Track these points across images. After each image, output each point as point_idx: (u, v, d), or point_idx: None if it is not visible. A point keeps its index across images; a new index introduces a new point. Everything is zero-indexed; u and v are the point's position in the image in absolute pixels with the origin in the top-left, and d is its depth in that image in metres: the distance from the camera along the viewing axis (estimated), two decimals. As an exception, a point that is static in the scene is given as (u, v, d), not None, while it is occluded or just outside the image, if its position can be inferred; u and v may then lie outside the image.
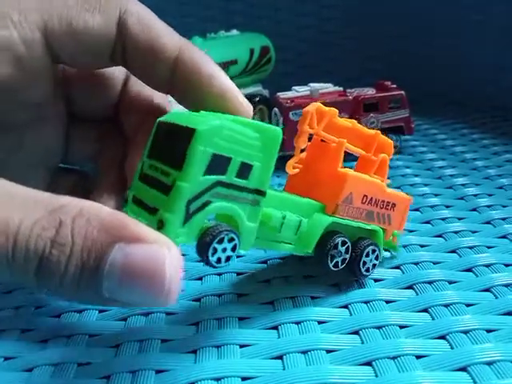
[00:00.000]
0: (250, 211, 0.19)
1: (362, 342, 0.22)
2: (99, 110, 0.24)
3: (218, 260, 0.18)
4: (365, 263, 0.25)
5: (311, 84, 0.44)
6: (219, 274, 0.27)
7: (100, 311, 0.25)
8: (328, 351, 0.21)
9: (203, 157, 0.17)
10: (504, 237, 0.30)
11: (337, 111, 0.24)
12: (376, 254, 0.25)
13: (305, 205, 0.23)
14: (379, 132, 0.26)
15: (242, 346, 0.22)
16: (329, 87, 0.44)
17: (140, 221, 0.16)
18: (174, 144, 0.18)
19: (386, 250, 0.28)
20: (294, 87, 0.44)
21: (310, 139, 0.25)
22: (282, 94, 0.43)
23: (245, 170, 0.19)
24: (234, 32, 0.53)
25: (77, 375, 0.21)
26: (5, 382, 0.20)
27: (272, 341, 0.22)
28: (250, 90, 0.52)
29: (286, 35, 0.65)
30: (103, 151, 0.24)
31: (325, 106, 0.27)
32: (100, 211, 0.15)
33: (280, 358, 0.21)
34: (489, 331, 0.22)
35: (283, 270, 0.27)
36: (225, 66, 0.48)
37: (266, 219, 0.20)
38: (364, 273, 0.25)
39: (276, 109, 0.43)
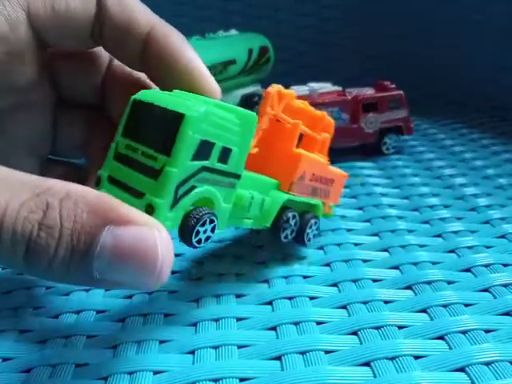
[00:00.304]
0: (226, 193, 0.20)
1: (361, 343, 0.22)
2: (86, 93, 0.23)
3: (199, 241, 0.19)
4: (308, 234, 0.27)
5: (310, 84, 0.44)
6: (218, 275, 0.27)
7: (98, 312, 0.25)
8: (326, 352, 0.21)
9: (192, 142, 0.18)
10: (503, 237, 0.30)
11: (295, 94, 0.26)
12: (317, 225, 0.28)
13: (263, 183, 0.24)
14: (325, 114, 0.28)
15: (240, 347, 0.22)
16: (328, 87, 0.44)
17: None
18: (159, 127, 0.18)
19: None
20: (292, 87, 0.44)
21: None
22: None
23: (225, 154, 0.19)
24: (233, 32, 0.53)
25: (74, 376, 0.21)
26: (2, 383, 0.20)
27: (270, 341, 0.22)
28: (249, 89, 0.52)
29: (285, 35, 0.65)
30: (92, 140, 0.24)
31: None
32: (87, 193, 0.15)
33: (278, 358, 0.21)
34: (487, 331, 0.22)
35: (282, 271, 0.27)
36: (223, 65, 0.48)
37: (237, 200, 0.21)
38: (306, 241, 0.28)
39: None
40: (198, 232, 0.19)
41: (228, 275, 0.27)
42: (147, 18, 0.20)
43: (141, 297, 0.26)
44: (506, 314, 0.23)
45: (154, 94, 0.19)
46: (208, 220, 0.19)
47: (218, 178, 0.19)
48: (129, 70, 0.23)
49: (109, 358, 0.21)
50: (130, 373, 0.20)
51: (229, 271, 0.27)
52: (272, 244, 0.30)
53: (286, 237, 0.26)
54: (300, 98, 0.42)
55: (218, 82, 0.47)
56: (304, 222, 0.27)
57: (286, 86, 0.44)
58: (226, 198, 0.20)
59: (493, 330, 0.22)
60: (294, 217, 0.26)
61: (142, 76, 0.23)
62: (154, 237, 0.15)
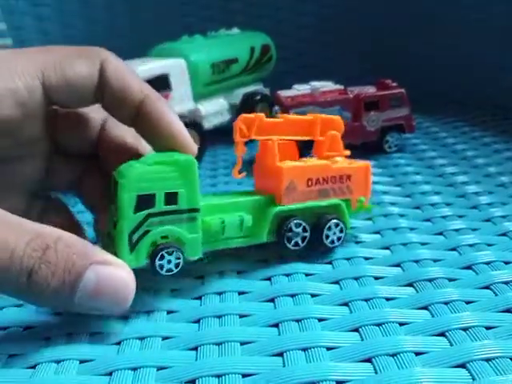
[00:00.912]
0: (188, 226, 0.24)
1: (362, 339, 0.22)
2: (80, 146, 0.27)
3: (168, 270, 0.24)
4: (328, 236, 0.28)
5: (312, 82, 0.44)
6: (220, 272, 0.27)
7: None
8: (328, 348, 0.21)
9: (129, 200, 0.23)
10: (504, 235, 0.30)
11: (263, 115, 0.28)
12: (340, 227, 0.28)
13: (250, 202, 0.27)
14: (319, 115, 0.29)
15: (242, 343, 0.22)
16: (330, 85, 0.44)
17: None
18: (115, 192, 0.23)
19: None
20: (295, 85, 0.44)
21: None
22: (283, 92, 0.43)
23: (171, 197, 0.23)
24: (235, 30, 0.53)
25: (79, 372, 0.21)
26: (8, 379, 0.21)
27: (272, 338, 0.22)
28: (251, 88, 0.52)
29: (287, 34, 0.65)
30: (84, 180, 0.27)
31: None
32: (75, 239, 0.21)
33: (280, 355, 0.21)
34: (488, 328, 0.22)
35: (284, 268, 0.27)
36: (225, 64, 0.48)
37: (207, 227, 0.25)
38: (329, 245, 0.28)
39: (277, 107, 0.43)
40: (161, 265, 0.24)
41: (230, 273, 0.27)
42: (140, 87, 0.24)
43: (144, 294, 0.26)
44: (507, 311, 0.23)
45: (126, 166, 0.24)
46: (165, 253, 0.23)
47: (170, 217, 0.24)
48: (120, 132, 0.26)
49: (113, 355, 0.22)
50: (134, 369, 0.21)
51: (230, 269, 0.28)
52: (273, 243, 0.30)
53: (296, 245, 0.27)
54: (302, 96, 0.43)
55: (220, 80, 0.48)
56: (319, 226, 0.28)
57: (288, 85, 0.45)
58: (190, 229, 0.24)
59: (494, 327, 0.22)
60: (298, 225, 0.27)
61: (131, 138, 0.26)
62: (125, 271, 0.22)
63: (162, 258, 0.24)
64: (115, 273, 0.21)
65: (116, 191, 0.23)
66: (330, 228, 0.28)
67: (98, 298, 0.21)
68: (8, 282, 0.20)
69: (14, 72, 0.22)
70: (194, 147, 0.25)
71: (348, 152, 0.30)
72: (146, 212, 0.23)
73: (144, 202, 0.23)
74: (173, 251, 0.24)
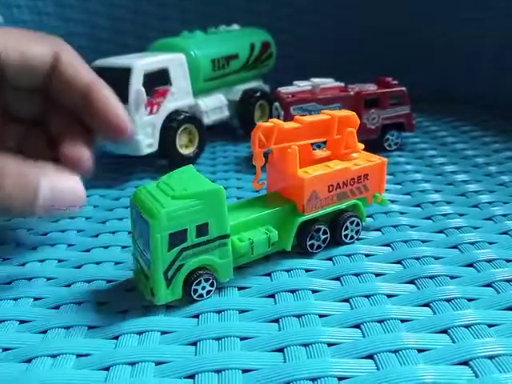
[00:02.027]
0: (219, 252, 0.24)
1: (364, 336, 0.21)
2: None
3: (200, 295, 0.24)
4: (346, 235, 0.28)
5: (313, 79, 0.43)
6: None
7: (99, 303, 0.24)
8: (329, 344, 0.21)
9: (162, 240, 0.22)
10: (505, 233, 0.30)
11: (281, 123, 0.27)
12: (355, 222, 0.28)
13: (274, 214, 0.27)
14: (336, 114, 0.28)
15: (242, 339, 0.22)
16: (330, 82, 0.44)
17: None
18: (143, 229, 0.23)
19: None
20: (295, 82, 0.44)
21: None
22: (284, 89, 0.43)
23: (202, 228, 0.23)
24: (235, 27, 0.53)
25: (76, 366, 0.20)
26: (3, 374, 0.20)
27: (273, 333, 0.22)
28: (251, 84, 0.52)
29: (287, 31, 0.64)
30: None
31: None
32: (18, 161, 0.23)
33: (281, 350, 0.21)
34: (490, 326, 0.22)
35: (284, 264, 0.27)
36: (225, 60, 0.47)
37: (237, 249, 0.25)
38: (348, 241, 0.28)
39: (277, 103, 0.43)
40: (196, 290, 0.24)
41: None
42: (88, 75, 0.26)
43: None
44: (509, 308, 0.23)
45: (146, 192, 0.24)
46: (202, 279, 0.24)
47: (203, 247, 0.24)
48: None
49: (110, 349, 0.21)
50: (132, 363, 0.20)
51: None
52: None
53: (318, 248, 0.28)
54: (302, 93, 0.43)
55: (220, 76, 0.48)
56: (337, 226, 0.28)
57: (288, 82, 0.44)
58: (221, 255, 0.24)
59: (496, 325, 0.22)
60: (318, 230, 0.27)
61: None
62: (73, 179, 0.24)
63: (199, 283, 0.24)
64: (64, 178, 0.24)
65: (139, 220, 0.23)
66: (347, 227, 0.28)
67: (56, 199, 0.23)
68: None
69: None
70: (128, 128, 0.26)
71: (362, 146, 0.30)
72: (179, 248, 0.23)
73: (177, 238, 0.23)
74: (208, 278, 0.24)
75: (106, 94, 0.26)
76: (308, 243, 0.27)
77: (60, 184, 0.23)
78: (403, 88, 0.44)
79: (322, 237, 0.28)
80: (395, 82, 0.44)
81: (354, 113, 0.29)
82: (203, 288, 0.24)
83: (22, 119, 0.28)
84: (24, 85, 0.26)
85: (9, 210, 0.23)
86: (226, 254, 0.24)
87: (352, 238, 0.29)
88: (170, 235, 0.22)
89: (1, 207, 0.22)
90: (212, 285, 0.24)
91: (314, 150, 0.29)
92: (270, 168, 0.29)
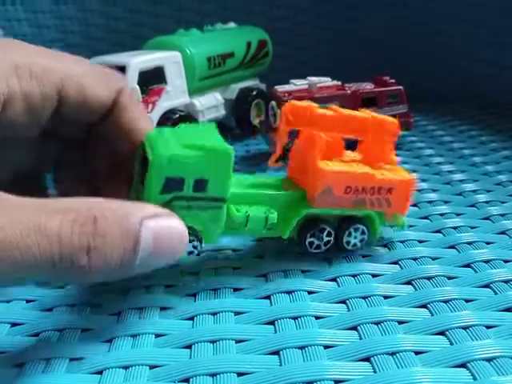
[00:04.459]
0: (212, 214, 0.23)
1: (360, 338, 0.21)
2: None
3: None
4: (349, 242, 0.27)
5: (309, 78, 0.43)
6: (215, 268, 0.27)
7: (93, 305, 0.24)
8: (325, 347, 0.21)
9: (157, 181, 0.22)
10: (503, 233, 0.29)
11: (314, 105, 0.26)
12: (361, 230, 0.27)
13: (280, 197, 0.26)
14: (374, 114, 0.27)
15: (237, 341, 0.21)
16: (327, 81, 0.43)
17: None
18: (144, 166, 0.22)
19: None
20: (291, 80, 0.44)
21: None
22: (280, 88, 0.43)
23: (200, 184, 0.22)
24: (232, 25, 0.52)
25: (69, 370, 0.20)
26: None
27: (268, 336, 0.22)
28: (247, 83, 0.51)
29: (283, 30, 0.64)
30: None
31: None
32: (117, 203, 0.19)
33: (277, 353, 0.21)
34: (488, 327, 0.21)
35: (280, 265, 0.27)
36: (221, 58, 0.47)
37: (232, 217, 0.24)
38: (350, 248, 0.27)
39: (273, 102, 0.42)
40: None
41: (225, 269, 0.27)
42: (146, 127, 0.24)
43: (137, 290, 0.25)
44: (507, 309, 0.23)
45: (156, 135, 0.23)
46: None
47: (199, 202, 0.23)
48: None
49: (104, 352, 0.21)
50: (126, 367, 0.20)
51: (226, 265, 0.27)
52: (270, 240, 0.29)
53: (317, 247, 0.27)
54: (299, 91, 0.42)
55: (216, 75, 0.48)
56: (341, 231, 0.27)
57: (285, 81, 0.44)
58: (213, 217, 0.23)
59: (494, 326, 0.21)
60: (323, 230, 0.26)
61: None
62: (172, 221, 0.20)
63: None
64: (168, 224, 0.20)
65: (143, 163, 0.22)
66: (350, 233, 0.27)
67: (158, 254, 0.19)
68: (68, 270, 0.17)
69: (32, 73, 0.21)
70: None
71: (396, 159, 0.28)
72: (171, 195, 0.22)
73: (172, 184, 0.22)
74: (192, 240, 0.23)
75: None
76: (308, 240, 0.26)
77: (163, 226, 0.20)
78: (400, 87, 0.43)
79: (325, 238, 0.26)
80: (392, 81, 0.44)
81: (396, 121, 0.27)
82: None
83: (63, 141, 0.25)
84: (78, 121, 0.24)
85: (105, 272, 0.18)
86: (217, 217, 0.23)
87: (355, 245, 0.27)
88: (167, 179, 0.22)
89: (98, 268, 0.18)
90: (195, 246, 0.23)
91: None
92: (294, 152, 0.27)
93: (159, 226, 0.19)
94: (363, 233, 0.27)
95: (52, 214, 0.17)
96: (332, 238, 0.27)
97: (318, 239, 0.26)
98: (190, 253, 0.24)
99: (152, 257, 0.19)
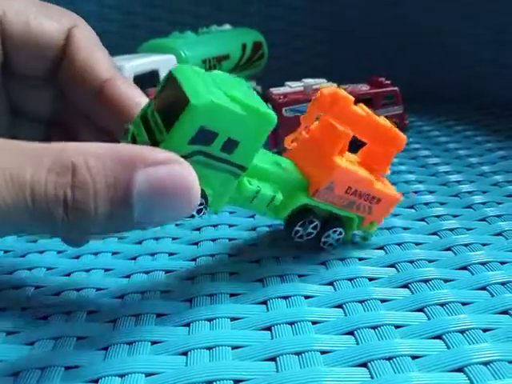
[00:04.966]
0: (224, 180, 0.21)
1: (357, 343, 0.21)
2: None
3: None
4: (325, 242, 0.28)
5: (305, 80, 0.43)
6: (212, 274, 0.27)
7: (88, 312, 0.24)
8: (322, 352, 0.21)
9: (190, 128, 0.18)
10: (499, 234, 0.29)
11: (353, 99, 0.25)
12: (337, 234, 0.28)
13: (288, 181, 0.25)
14: (393, 126, 0.27)
15: (234, 348, 0.21)
16: (322, 83, 0.43)
17: None
18: (173, 105, 0.19)
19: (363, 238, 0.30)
20: (287, 83, 0.44)
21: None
22: (275, 90, 0.43)
23: (230, 145, 0.20)
24: (227, 27, 0.52)
25: (64, 379, 0.20)
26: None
27: (265, 342, 0.21)
28: (243, 85, 0.51)
29: (279, 31, 0.64)
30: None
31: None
32: (106, 147, 0.16)
33: (273, 359, 0.20)
34: (485, 330, 0.21)
35: (277, 270, 0.27)
36: (217, 61, 0.47)
37: (241, 189, 0.22)
38: (325, 247, 0.28)
39: (269, 104, 0.42)
40: None
41: (221, 274, 0.27)
42: (108, 65, 0.21)
43: (132, 297, 0.25)
44: (504, 312, 0.23)
45: (188, 72, 0.20)
46: None
47: (216, 163, 0.20)
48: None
49: (99, 360, 0.21)
50: (122, 375, 0.20)
51: (222, 270, 0.27)
52: (266, 243, 0.29)
53: (300, 237, 0.27)
54: (294, 93, 0.42)
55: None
56: (325, 227, 0.27)
57: (280, 83, 0.44)
58: (223, 183, 0.21)
59: (491, 329, 0.21)
60: (311, 222, 0.26)
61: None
62: (181, 170, 0.17)
63: None
64: (170, 171, 0.17)
65: (172, 104, 0.19)
66: (328, 235, 0.27)
67: (159, 206, 0.16)
68: (38, 223, 0.15)
69: None
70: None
71: (389, 172, 0.28)
72: (198, 147, 0.19)
73: (203, 136, 0.19)
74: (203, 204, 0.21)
75: (122, 83, 0.21)
76: (296, 228, 0.26)
77: (163, 175, 0.16)
78: (396, 88, 0.43)
79: (310, 230, 0.27)
80: (388, 82, 0.44)
81: (405, 137, 0.28)
82: None
83: (38, 119, 0.23)
84: (29, 71, 0.21)
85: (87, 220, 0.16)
86: (230, 185, 0.21)
87: (331, 244, 0.28)
88: (201, 128, 0.19)
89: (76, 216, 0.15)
90: (202, 204, 0.21)
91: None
92: (306, 138, 0.26)
93: (160, 175, 0.16)
94: (340, 234, 0.28)
95: (27, 160, 0.15)
96: (315, 232, 0.27)
97: (304, 230, 0.27)
98: (199, 211, 0.21)
99: (153, 211, 0.16)
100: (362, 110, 0.26)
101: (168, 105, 0.19)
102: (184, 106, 0.18)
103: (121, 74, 0.22)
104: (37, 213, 0.15)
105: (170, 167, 0.17)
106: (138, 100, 0.21)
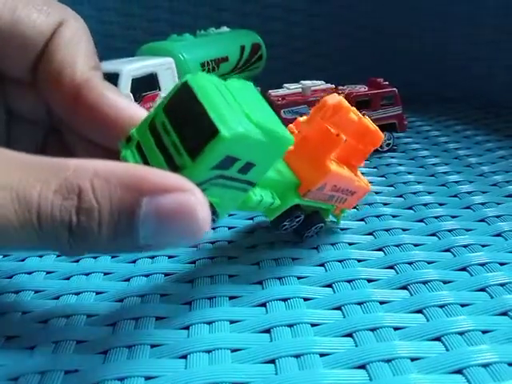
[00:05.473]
0: (234, 195, 0.21)
1: (356, 345, 0.21)
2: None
3: None
4: (307, 236, 0.29)
5: (303, 81, 0.43)
6: (211, 276, 0.27)
7: (88, 316, 0.24)
8: (321, 355, 0.21)
9: (218, 157, 0.18)
10: (498, 235, 0.29)
11: (350, 109, 0.26)
12: (320, 226, 0.29)
13: (283, 185, 0.25)
14: (377, 129, 0.29)
15: (233, 351, 0.21)
16: (320, 84, 0.43)
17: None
18: (195, 125, 0.18)
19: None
20: (285, 84, 0.44)
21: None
22: (274, 92, 0.43)
23: (247, 168, 0.20)
24: (225, 29, 0.52)
25: (64, 383, 0.20)
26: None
27: (264, 344, 0.21)
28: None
29: (277, 32, 0.64)
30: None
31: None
32: (115, 168, 0.15)
33: (272, 362, 0.20)
34: (484, 332, 0.21)
35: (276, 272, 0.27)
36: (215, 63, 0.47)
37: (247, 200, 0.22)
38: (305, 239, 0.29)
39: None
40: None
41: (221, 276, 0.27)
42: (87, 66, 0.19)
43: (132, 300, 0.25)
44: (503, 314, 0.23)
45: (206, 84, 0.18)
46: None
47: (233, 183, 0.20)
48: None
49: (99, 364, 0.21)
50: (121, 379, 0.20)
51: (222, 272, 0.27)
52: (265, 245, 0.29)
53: (285, 230, 0.28)
54: (292, 95, 0.42)
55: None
56: (309, 223, 0.28)
57: (279, 84, 0.44)
58: (235, 197, 0.21)
59: (490, 331, 0.21)
60: (297, 217, 0.27)
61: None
62: (193, 201, 0.16)
63: None
64: (179, 199, 0.16)
65: (194, 122, 0.18)
66: (310, 230, 0.29)
67: (165, 233, 0.16)
68: (44, 244, 0.15)
69: None
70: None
71: (363, 164, 0.30)
72: (219, 172, 0.19)
73: (226, 163, 0.18)
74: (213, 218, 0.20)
75: (98, 86, 0.19)
76: (283, 223, 0.27)
77: (169, 203, 0.16)
78: (394, 89, 0.43)
79: (295, 223, 0.28)
80: (386, 83, 0.44)
81: (383, 136, 0.29)
82: None
83: (33, 123, 0.22)
84: (15, 71, 0.19)
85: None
86: (238, 198, 0.21)
87: (312, 236, 0.29)
88: (226, 157, 0.18)
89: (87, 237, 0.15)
90: (213, 219, 0.20)
91: None
92: (301, 139, 0.27)
93: (169, 205, 0.16)
94: (321, 228, 0.29)
95: (34, 178, 0.15)
96: (297, 224, 0.28)
97: (291, 223, 0.27)
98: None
99: (159, 238, 0.16)
100: (354, 114, 0.27)
101: (187, 123, 0.18)
102: (212, 135, 0.17)
103: (101, 75, 0.20)
104: (43, 234, 0.15)
105: (181, 197, 0.16)
106: (121, 107, 0.20)
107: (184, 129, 0.18)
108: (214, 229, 0.32)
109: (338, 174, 0.26)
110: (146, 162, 0.18)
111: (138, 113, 0.20)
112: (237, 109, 0.18)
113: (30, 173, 0.15)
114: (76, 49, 0.19)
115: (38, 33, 0.18)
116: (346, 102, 0.27)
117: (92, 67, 0.20)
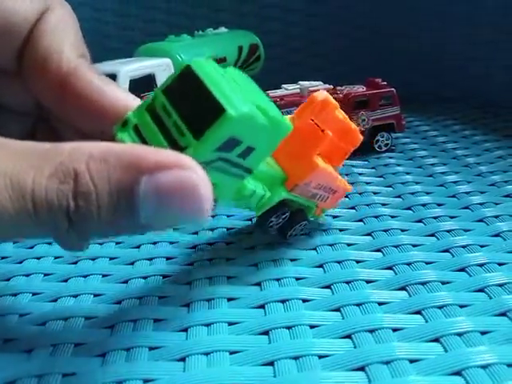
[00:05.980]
0: (232, 182, 0.21)
1: (355, 347, 0.21)
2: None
3: None
4: (291, 234, 0.29)
5: (301, 82, 0.43)
6: (209, 278, 0.27)
7: (86, 318, 0.24)
8: (320, 356, 0.21)
9: (222, 137, 0.18)
10: (497, 235, 0.29)
11: (337, 105, 0.27)
12: (304, 227, 0.30)
13: (272, 178, 0.26)
14: (357, 129, 0.29)
15: (231, 353, 0.21)
16: (319, 85, 0.43)
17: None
18: (199, 106, 0.18)
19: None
20: (283, 85, 0.44)
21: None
22: (272, 92, 0.43)
23: (247, 152, 0.20)
24: (223, 29, 0.52)
25: (61, 386, 0.20)
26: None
27: (263, 347, 0.21)
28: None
29: (274, 32, 0.64)
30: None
31: None
32: (112, 148, 0.15)
33: (271, 364, 0.20)
34: (483, 333, 0.21)
35: (274, 273, 0.27)
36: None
37: (241, 189, 0.23)
38: (289, 237, 0.29)
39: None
40: None
41: (219, 278, 0.26)
42: (74, 54, 0.19)
43: (130, 302, 0.25)
44: (502, 314, 0.22)
45: (208, 69, 0.19)
46: None
47: (232, 168, 0.20)
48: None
49: (97, 367, 0.21)
50: (119, 382, 0.20)
51: (220, 274, 0.27)
52: (264, 246, 0.29)
53: (271, 227, 0.28)
54: (290, 96, 0.42)
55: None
56: (294, 221, 0.29)
57: (277, 84, 0.44)
58: (230, 185, 0.21)
59: (489, 332, 0.21)
60: (284, 214, 0.28)
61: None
62: (192, 176, 0.15)
63: None
64: (179, 177, 0.15)
65: (198, 104, 0.18)
66: (295, 229, 0.29)
67: (166, 212, 0.15)
68: (42, 230, 0.15)
69: None
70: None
71: (342, 166, 0.31)
72: (220, 154, 0.18)
73: (229, 144, 0.18)
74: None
75: (86, 73, 0.18)
76: (270, 219, 0.27)
77: (168, 181, 0.15)
78: (393, 89, 0.43)
79: (281, 220, 0.28)
80: (384, 83, 0.44)
81: (361, 137, 0.30)
82: None
83: (21, 113, 0.22)
84: (1, 56, 0.19)
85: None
86: (234, 186, 0.21)
87: (296, 235, 0.30)
88: (230, 138, 0.18)
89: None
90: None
91: None
92: (290, 134, 0.26)
93: (169, 182, 0.15)
94: (305, 226, 0.29)
95: (27, 164, 0.14)
96: (283, 222, 0.28)
97: (277, 220, 0.28)
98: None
99: (160, 217, 0.16)
100: (340, 113, 0.28)
101: (191, 105, 0.18)
102: (218, 114, 0.17)
103: (89, 63, 0.19)
104: (39, 220, 0.15)
105: (182, 173, 0.15)
106: (110, 95, 0.19)
107: (187, 109, 0.18)
108: (212, 230, 0.32)
109: (324, 171, 0.27)
110: (144, 143, 0.18)
111: (127, 100, 0.20)
112: (239, 92, 0.18)
113: (24, 158, 0.15)
114: (62, 35, 0.19)
115: (23, 19, 0.18)
116: (332, 99, 0.27)
117: (80, 55, 0.19)
